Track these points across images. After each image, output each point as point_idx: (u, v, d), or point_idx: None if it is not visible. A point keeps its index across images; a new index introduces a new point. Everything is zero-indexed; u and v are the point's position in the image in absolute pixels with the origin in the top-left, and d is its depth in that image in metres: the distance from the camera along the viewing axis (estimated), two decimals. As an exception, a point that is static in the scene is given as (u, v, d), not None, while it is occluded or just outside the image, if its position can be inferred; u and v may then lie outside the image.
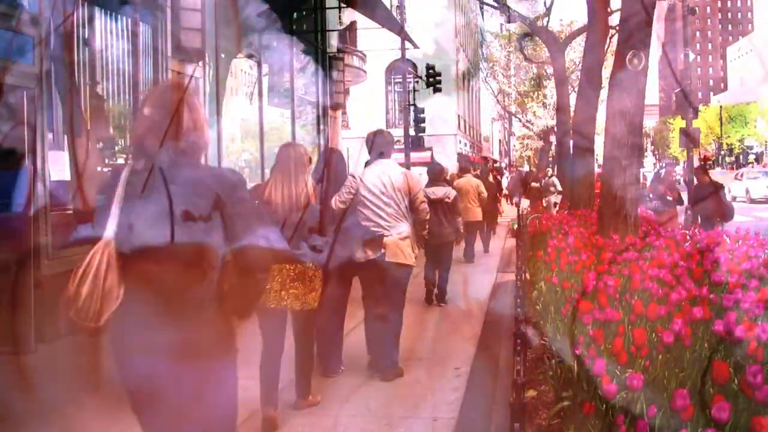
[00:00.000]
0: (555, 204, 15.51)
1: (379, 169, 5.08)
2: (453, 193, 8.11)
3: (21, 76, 5.13)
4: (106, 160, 7.33)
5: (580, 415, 2.89)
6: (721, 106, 77.17)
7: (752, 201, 27.07)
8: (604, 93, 12.00)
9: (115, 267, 2.09)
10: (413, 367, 5.28)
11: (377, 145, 5.22)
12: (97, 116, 7.02)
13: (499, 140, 60.48)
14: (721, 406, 2.31)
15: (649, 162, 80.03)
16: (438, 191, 7.86)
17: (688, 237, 6.50)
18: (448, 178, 10.50)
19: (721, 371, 2.57)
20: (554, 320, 4.52)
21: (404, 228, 5.06)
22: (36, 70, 5.25)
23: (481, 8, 39.26)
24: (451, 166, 20.15)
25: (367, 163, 5.28)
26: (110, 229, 2.12)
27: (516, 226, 13.43)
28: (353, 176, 5.12)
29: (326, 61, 13.36)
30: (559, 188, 16.25)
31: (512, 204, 22.19)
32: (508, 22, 27.97)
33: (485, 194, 11.68)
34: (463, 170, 12.88)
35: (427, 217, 5.35)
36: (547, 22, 19.76)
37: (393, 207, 5.01)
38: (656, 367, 3.13)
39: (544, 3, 21.86)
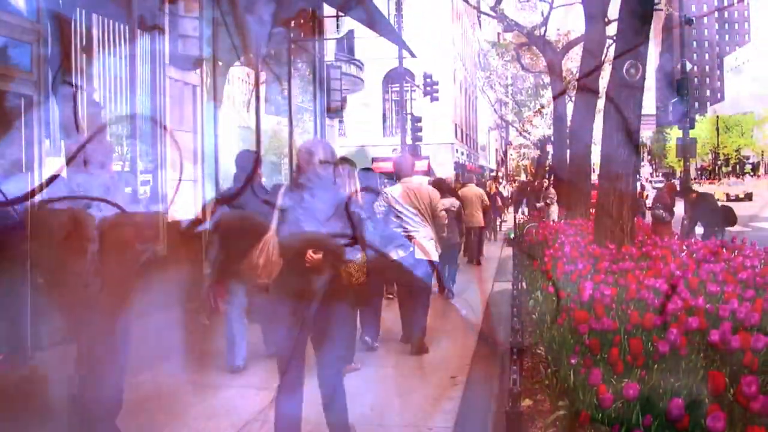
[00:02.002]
0: (553, 220, 15.47)
1: (406, 186, 6.19)
2: (457, 204, 9.57)
3: (18, 82, 5.13)
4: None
5: (576, 424, 2.89)
6: (717, 116, 77.36)
7: None
8: (600, 102, 12.05)
9: (277, 247, 3.44)
10: (411, 373, 5.29)
11: (402, 167, 6.39)
12: (94, 123, 7.00)
13: (496, 149, 60.58)
14: (716, 416, 2.30)
15: (646, 172, 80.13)
16: (445, 202, 8.52)
17: (684, 247, 6.51)
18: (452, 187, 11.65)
19: (716, 381, 2.57)
20: (550, 329, 4.52)
21: (428, 232, 6.12)
22: (34, 77, 5.25)
23: (479, 17, 39.43)
24: (449, 174, 20.17)
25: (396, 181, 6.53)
26: (274, 224, 3.50)
27: (513, 235, 13.48)
28: (385, 192, 6.20)
29: (324, 69, 13.38)
30: (550, 199, 16.35)
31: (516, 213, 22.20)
32: (506, 31, 28.01)
33: (488, 202, 12.79)
34: (466, 180, 13.73)
35: (445, 222, 6.44)
36: (545, 31, 19.79)
37: (418, 216, 6.09)
38: (652, 377, 3.12)
39: (542, 12, 21.93)
